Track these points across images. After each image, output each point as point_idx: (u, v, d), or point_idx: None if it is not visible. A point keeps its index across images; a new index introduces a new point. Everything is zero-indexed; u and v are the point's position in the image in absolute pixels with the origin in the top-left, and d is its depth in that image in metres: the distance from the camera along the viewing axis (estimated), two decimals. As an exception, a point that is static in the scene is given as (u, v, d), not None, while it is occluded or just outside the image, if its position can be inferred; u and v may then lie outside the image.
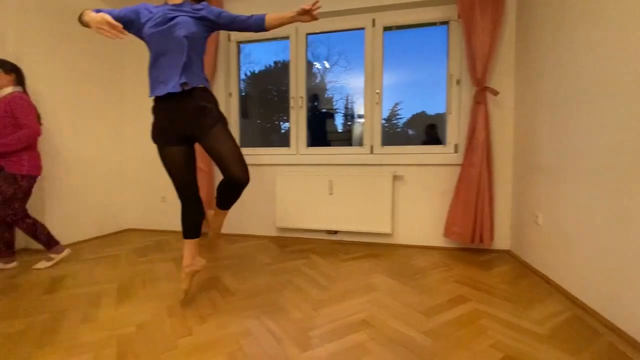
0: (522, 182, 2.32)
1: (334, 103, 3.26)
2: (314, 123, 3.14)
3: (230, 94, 3.21)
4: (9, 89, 2.11)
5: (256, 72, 3.41)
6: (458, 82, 2.67)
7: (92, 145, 3.06)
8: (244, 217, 3.11)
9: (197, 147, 1.63)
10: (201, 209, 1.68)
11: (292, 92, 3.04)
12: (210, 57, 2.91)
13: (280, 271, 2.14)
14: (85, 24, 1.38)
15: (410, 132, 3.05)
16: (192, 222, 1.64)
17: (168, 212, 3.32)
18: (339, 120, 3.28)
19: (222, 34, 3.08)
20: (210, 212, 1.81)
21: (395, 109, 3.00)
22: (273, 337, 1.36)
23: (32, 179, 2.16)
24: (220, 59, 3.09)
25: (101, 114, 3.17)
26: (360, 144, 2.95)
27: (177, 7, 1.53)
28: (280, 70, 3.37)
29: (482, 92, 2.42)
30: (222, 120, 1.56)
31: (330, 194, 2.77)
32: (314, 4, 1.54)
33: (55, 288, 1.89)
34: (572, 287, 1.72)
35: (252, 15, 1.58)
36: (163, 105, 1.51)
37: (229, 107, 3.20)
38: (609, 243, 1.45)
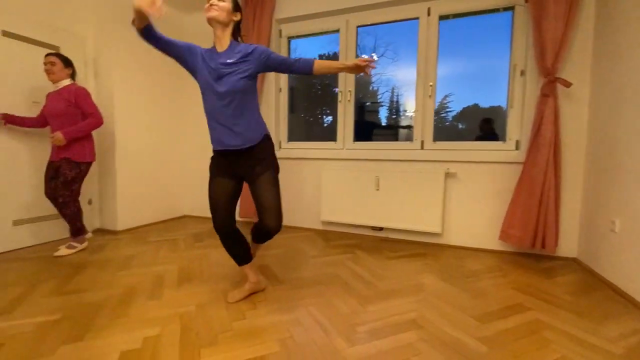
0: (596, 184, 2.08)
1: (378, 96, 3.18)
2: (358, 117, 3.10)
3: (280, 90, 3.28)
4: (66, 82, 2.32)
5: None
6: (522, 73, 2.45)
7: (156, 137, 3.34)
8: (289, 210, 3.19)
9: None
10: (240, 238, 1.67)
11: (341, 86, 3.03)
12: (263, 53, 3.00)
13: (326, 264, 2.17)
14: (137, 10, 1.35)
15: (460, 126, 2.88)
16: (237, 252, 1.66)
17: (220, 201, 3.52)
18: (383, 114, 3.19)
19: (274, 29, 3.14)
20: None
21: (445, 101, 2.83)
22: (321, 328, 1.39)
23: (89, 165, 2.39)
24: (271, 54, 3.16)
25: (165, 110, 3.43)
26: (408, 138, 2.86)
27: (226, 55, 1.49)
28: None
29: (551, 83, 2.20)
30: (273, 168, 1.59)
31: (377, 189, 2.73)
32: (369, 61, 1.48)
33: (127, 266, 2.11)
34: (657, 305, 1.51)
35: (300, 59, 1.54)
36: (223, 154, 1.57)
37: (279, 102, 3.28)
38: None
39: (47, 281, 1.85)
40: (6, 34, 2.31)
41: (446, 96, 2.81)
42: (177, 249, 2.50)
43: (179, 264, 2.17)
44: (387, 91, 3.11)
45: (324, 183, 2.93)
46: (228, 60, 1.47)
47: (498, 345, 1.28)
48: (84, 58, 2.85)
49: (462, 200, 2.58)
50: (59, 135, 2.16)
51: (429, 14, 2.68)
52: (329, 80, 3.37)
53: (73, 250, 2.35)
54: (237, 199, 1.64)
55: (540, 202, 2.21)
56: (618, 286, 1.78)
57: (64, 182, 2.25)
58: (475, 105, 2.77)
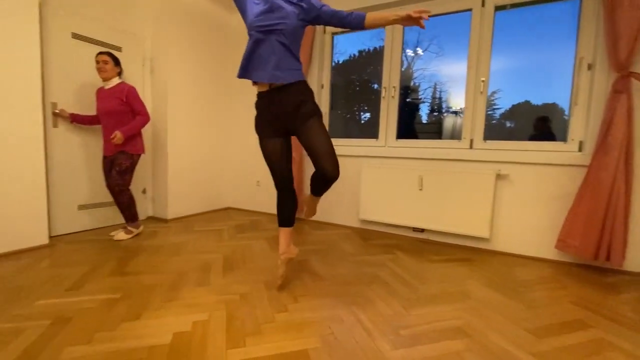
0: (678, 192, 1.84)
1: (420, 92, 3.05)
2: (400, 113, 3.00)
3: (322, 86, 3.29)
4: (116, 80, 2.47)
5: (340, 62, 3.40)
6: (590, 66, 2.23)
7: (205, 133, 3.50)
8: (327, 206, 3.19)
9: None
10: (294, 199, 1.76)
11: (385, 82, 2.96)
12: (306, 49, 3.02)
13: (365, 263, 2.15)
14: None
15: (509, 124, 2.68)
16: (287, 211, 1.73)
17: (262, 195, 3.62)
18: (424, 111, 3.06)
19: (319, 26, 3.15)
20: (306, 197, 1.89)
21: (492, 98, 2.64)
22: (363, 328, 1.37)
23: (139, 156, 2.55)
24: (315, 50, 3.17)
25: (213, 108, 3.59)
26: (453, 137, 2.72)
27: None
28: (364, 60, 3.30)
29: (624, 78, 1.98)
30: (317, 113, 1.59)
31: (420, 189, 2.64)
32: (423, 12, 1.42)
33: (177, 252, 2.24)
34: None
35: (352, 12, 1.53)
36: (266, 100, 1.60)
37: (321, 98, 3.28)
38: None
39: (108, 262, 2.02)
40: (75, 36, 2.54)
41: (494, 92, 2.63)
42: (221, 239, 2.61)
43: (224, 253, 2.26)
44: (429, 87, 2.99)
45: (363, 181, 2.89)
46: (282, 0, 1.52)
47: (556, 363, 1.18)
48: (142, 57, 3.06)
49: (514, 204, 2.41)
50: (119, 134, 2.32)
51: (483, 5, 2.52)
52: (368, 76, 3.30)
53: (130, 235, 2.53)
54: (291, 154, 1.70)
55: (607, 210, 2.00)
56: (702, 310, 1.57)
57: (119, 172, 2.42)
58: (527, 102, 2.56)
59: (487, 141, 2.56)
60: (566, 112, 2.39)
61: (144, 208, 3.17)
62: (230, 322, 1.38)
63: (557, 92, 2.43)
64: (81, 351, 1.16)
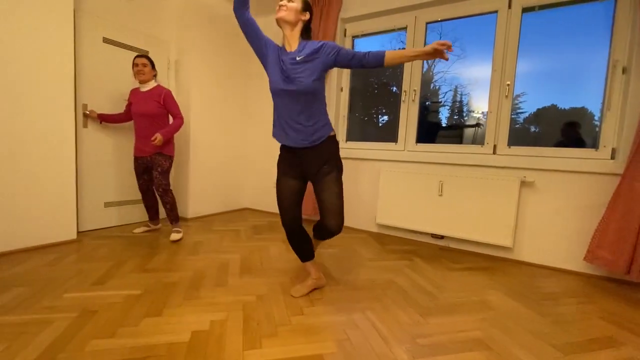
0: None
1: (440, 96, 2.99)
2: (420, 117, 2.95)
3: (341, 89, 3.28)
4: (152, 83, 2.52)
5: None
6: (624, 70, 2.12)
7: (225, 135, 3.57)
8: (345, 210, 3.18)
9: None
10: (306, 234, 1.70)
11: (405, 85, 2.92)
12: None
13: (382, 269, 2.12)
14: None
15: (533, 129, 2.57)
16: (301, 249, 1.71)
17: (278, 197, 3.65)
18: (444, 114, 2.99)
19: (339, 28, 3.15)
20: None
21: (516, 102, 2.54)
22: (379, 335, 1.35)
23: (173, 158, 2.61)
24: (335, 54, 3.17)
25: (234, 111, 3.66)
26: (474, 141, 2.64)
27: (295, 54, 1.50)
28: None
29: (664, 82, 1.87)
30: (338, 168, 1.59)
31: (440, 195, 2.59)
32: (447, 44, 1.36)
33: (196, 251, 2.29)
34: None
35: (369, 52, 1.48)
36: (292, 152, 1.61)
37: (339, 101, 3.28)
38: None
39: (132, 258, 2.09)
40: (106, 40, 2.66)
41: (517, 96, 2.53)
42: (239, 239, 2.65)
43: (241, 253, 2.29)
44: (450, 90, 2.93)
45: (382, 185, 2.86)
46: (297, 58, 1.48)
47: (585, 382, 1.12)
48: (166, 60, 3.15)
49: (539, 212, 2.32)
50: (160, 137, 2.37)
51: (509, 7, 2.45)
52: (387, 79, 3.27)
53: (180, 235, 2.55)
54: (302, 198, 1.68)
55: (642, 222, 1.89)
56: None
57: (162, 172, 2.48)
58: (553, 107, 2.45)
59: (512, 147, 2.47)
60: (596, 117, 2.28)
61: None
62: (247, 322, 1.40)
63: (586, 96, 2.32)
64: (105, 344, 1.20)
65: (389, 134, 3.08)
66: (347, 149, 3.20)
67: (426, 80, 2.98)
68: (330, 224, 1.54)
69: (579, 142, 2.35)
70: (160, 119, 2.50)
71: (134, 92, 2.54)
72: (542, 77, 2.45)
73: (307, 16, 1.55)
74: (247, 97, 3.84)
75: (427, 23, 2.82)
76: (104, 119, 2.61)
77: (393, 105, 3.10)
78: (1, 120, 2.00)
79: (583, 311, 1.66)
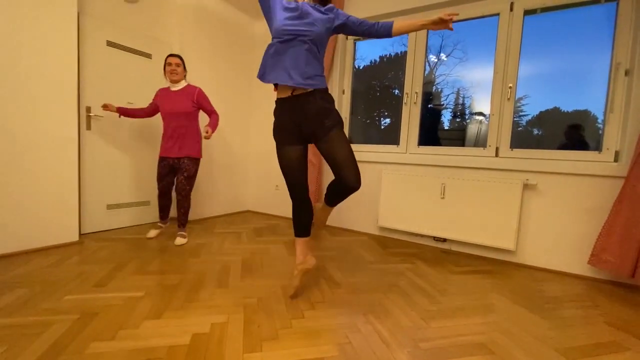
0: None
1: (442, 98, 2.99)
2: (422, 119, 2.94)
3: (343, 91, 3.29)
4: (184, 82, 2.52)
5: (360, 67, 3.38)
6: (627, 72, 2.11)
7: (226, 136, 3.58)
8: (346, 212, 3.17)
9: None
10: (310, 208, 1.72)
11: (407, 88, 2.92)
12: (328, 55, 3.03)
13: (384, 272, 2.11)
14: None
15: (536, 131, 2.56)
16: (303, 222, 1.69)
17: (280, 199, 3.65)
18: (446, 117, 2.98)
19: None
20: (318, 205, 1.87)
21: (518, 104, 2.54)
22: (381, 338, 1.34)
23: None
24: (337, 56, 3.18)
25: (234, 111, 3.68)
26: (477, 144, 2.63)
27: (309, 5, 1.57)
28: (385, 65, 3.27)
29: (667, 85, 1.86)
30: (340, 123, 1.56)
31: (442, 198, 2.58)
32: (452, 14, 1.42)
33: (197, 254, 2.29)
34: None
35: (378, 22, 1.53)
36: (287, 106, 1.57)
37: (341, 104, 3.29)
38: None
39: (133, 261, 2.09)
40: (110, 43, 2.67)
41: (520, 98, 2.53)
42: (240, 241, 2.65)
43: (242, 256, 2.28)
44: (452, 93, 2.92)
45: (383, 187, 2.85)
46: (311, 7, 1.54)
47: (590, 387, 1.11)
48: (170, 63, 3.17)
49: (542, 215, 2.30)
50: (211, 131, 2.37)
51: (511, 9, 2.45)
52: (389, 82, 3.27)
53: (186, 240, 2.53)
54: (307, 164, 1.65)
55: (646, 225, 1.87)
56: None
57: (187, 177, 2.45)
58: (556, 109, 2.44)
59: (515, 149, 2.46)
60: (599, 120, 2.27)
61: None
62: (247, 325, 1.39)
63: (589, 98, 2.31)
64: (105, 347, 1.20)
65: (391, 136, 3.07)
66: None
67: (428, 83, 2.98)
68: (349, 177, 1.49)
69: (582, 145, 2.34)
70: (193, 117, 2.50)
71: (164, 91, 2.51)
72: (545, 80, 2.45)
73: None
74: (249, 99, 3.86)
75: (428, 26, 2.82)
76: (124, 113, 2.53)
77: (395, 108, 3.10)
78: (5, 122, 2.02)
79: (587, 315, 1.64)
